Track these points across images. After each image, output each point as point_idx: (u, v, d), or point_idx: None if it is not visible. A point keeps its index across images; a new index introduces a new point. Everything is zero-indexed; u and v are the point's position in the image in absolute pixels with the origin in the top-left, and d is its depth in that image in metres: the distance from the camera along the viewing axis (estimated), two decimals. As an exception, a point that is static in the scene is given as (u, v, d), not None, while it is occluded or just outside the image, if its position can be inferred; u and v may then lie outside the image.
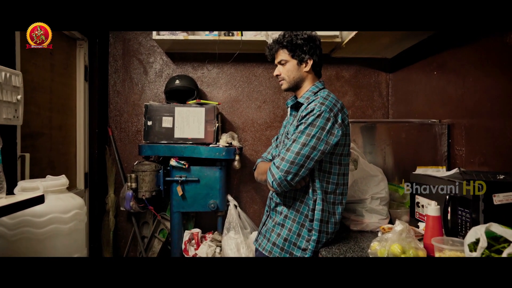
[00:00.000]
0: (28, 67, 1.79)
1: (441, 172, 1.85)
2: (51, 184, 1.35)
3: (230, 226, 2.40)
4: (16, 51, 1.64)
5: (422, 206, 1.50)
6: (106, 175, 2.67)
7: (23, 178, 1.59)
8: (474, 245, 0.99)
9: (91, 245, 2.49)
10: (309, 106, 1.39)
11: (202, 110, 2.41)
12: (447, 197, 1.25)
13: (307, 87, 1.52)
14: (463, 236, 1.22)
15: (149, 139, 2.41)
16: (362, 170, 1.64)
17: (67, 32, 2.22)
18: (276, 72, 1.54)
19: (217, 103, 2.46)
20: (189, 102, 2.45)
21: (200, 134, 2.41)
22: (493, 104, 1.60)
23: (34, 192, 1.21)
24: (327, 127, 1.34)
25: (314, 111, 1.35)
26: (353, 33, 2.14)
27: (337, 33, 2.33)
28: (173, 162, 2.33)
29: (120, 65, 2.73)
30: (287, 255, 1.43)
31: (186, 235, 2.43)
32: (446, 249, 1.10)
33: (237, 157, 2.36)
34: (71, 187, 2.31)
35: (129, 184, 2.33)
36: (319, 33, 1.57)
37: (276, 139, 1.72)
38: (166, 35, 2.35)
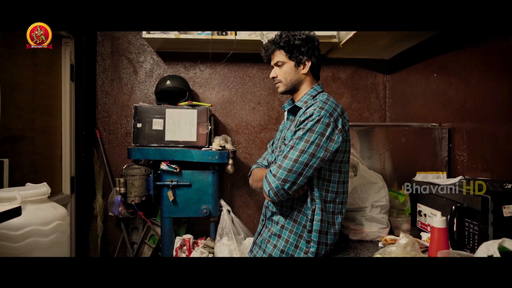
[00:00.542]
0: (6, 66, 1.68)
1: (442, 178, 1.80)
2: (30, 194, 1.25)
3: (223, 232, 2.32)
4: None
5: (425, 215, 1.43)
6: (93, 179, 2.56)
7: (1, 186, 1.49)
8: (486, 263, 0.92)
9: (78, 251, 2.38)
10: (307, 110, 1.31)
11: (194, 112, 2.32)
12: (453, 207, 1.18)
13: (305, 90, 1.44)
14: (471, 249, 1.16)
15: (138, 142, 2.31)
16: (362, 177, 1.57)
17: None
18: (272, 74, 1.46)
19: (209, 104, 2.37)
20: (180, 103, 2.36)
21: (192, 137, 2.32)
22: (497, 108, 1.54)
23: (10, 203, 1.11)
24: (327, 133, 1.27)
25: (313, 116, 1.27)
26: (351, 33, 2.07)
27: (334, 33, 2.25)
28: (163, 166, 2.24)
29: (109, 64, 2.62)
30: (284, 268, 1.34)
31: (178, 241, 2.33)
32: (454, 264, 1.03)
33: (230, 161, 2.27)
34: (57, 192, 2.20)
35: (117, 188, 2.23)
36: (316, 33, 1.50)
37: (272, 144, 1.64)
38: (156, 34, 2.25)
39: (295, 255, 1.35)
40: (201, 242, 2.38)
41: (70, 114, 2.31)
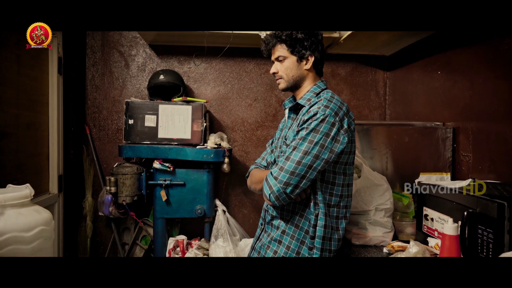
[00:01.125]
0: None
1: (446, 180, 1.74)
2: (10, 197, 1.15)
3: (218, 234, 2.24)
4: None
5: (432, 219, 1.37)
6: (83, 177, 2.46)
7: (-19, 187, 1.38)
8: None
9: (66, 253, 2.28)
10: (311, 109, 1.23)
11: (188, 108, 2.22)
12: (466, 213, 1.11)
13: (308, 87, 1.36)
14: (484, 258, 1.09)
15: (130, 139, 2.21)
16: (366, 179, 1.50)
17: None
18: (273, 70, 1.37)
19: (205, 100, 2.28)
20: (174, 99, 2.26)
21: (186, 134, 2.23)
22: (506, 108, 1.48)
23: (-13, 209, 1.02)
24: (332, 133, 1.19)
25: (318, 115, 1.19)
26: (353, 28, 1.99)
27: (335, 27, 2.17)
28: (156, 165, 2.14)
29: (99, 57, 2.51)
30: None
31: (171, 242, 2.25)
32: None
33: (226, 160, 2.18)
34: (43, 192, 2.10)
35: (108, 188, 2.13)
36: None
37: (271, 144, 1.56)
38: (149, 26, 2.14)
39: (297, 262, 1.27)
40: (195, 243, 2.30)
41: (58, 109, 2.20)
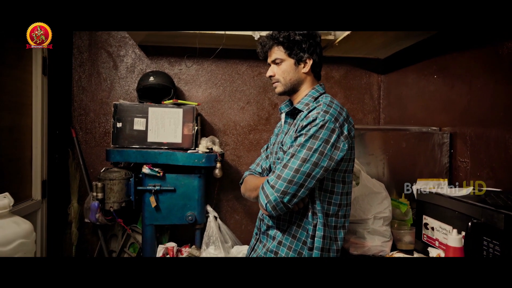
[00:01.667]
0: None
1: (444, 186, 1.70)
2: (-13, 208, 1.06)
3: (210, 241, 2.17)
4: None
5: (432, 228, 1.33)
6: (68, 182, 2.35)
7: (-45, 196, 1.29)
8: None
9: (50, 262, 2.17)
10: (310, 114, 1.18)
11: (179, 111, 2.15)
12: (470, 224, 1.07)
13: (306, 91, 1.30)
14: (489, 271, 1.05)
15: (118, 143, 2.12)
16: (364, 186, 1.45)
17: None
18: (269, 73, 1.32)
19: (196, 103, 2.21)
20: (164, 102, 2.18)
21: (177, 138, 2.15)
22: (507, 113, 1.45)
23: (-40, 221, 0.93)
24: (332, 140, 1.14)
25: (317, 121, 1.14)
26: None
27: (330, 30, 2.13)
28: (145, 170, 2.07)
29: (86, 57, 2.41)
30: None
31: (160, 250, 2.17)
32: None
33: (218, 165, 2.12)
34: (25, 198, 1.99)
35: (94, 194, 2.04)
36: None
37: (266, 149, 1.50)
38: (139, 26, 2.06)
39: (294, 275, 1.21)
40: (185, 250, 2.22)
41: (42, 111, 2.09)
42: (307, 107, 1.24)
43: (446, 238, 1.20)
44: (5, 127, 1.80)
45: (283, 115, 1.39)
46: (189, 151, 2.10)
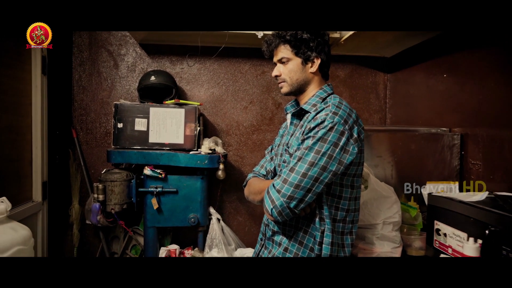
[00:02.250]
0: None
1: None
2: (-18, 214, 1.02)
3: (213, 244, 2.13)
4: None
5: (445, 234, 1.27)
6: (69, 183, 2.32)
7: (-49, 200, 1.25)
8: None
9: (50, 265, 2.14)
10: (318, 115, 1.13)
11: (181, 111, 2.10)
12: (487, 232, 1.02)
13: (313, 91, 1.25)
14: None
15: (119, 144, 2.08)
16: (373, 190, 1.40)
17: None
18: (275, 72, 1.26)
19: (198, 103, 2.16)
20: (166, 101, 2.14)
21: (179, 139, 2.11)
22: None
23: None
24: (341, 143, 1.09)
25: (325, 123, 1.09)
26: (356, 28, 1.89)
27: (336, 27, 2.07)
28: (147, 171, 2.02)
29: (86, 56, 2.37)
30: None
31: (162, 252, 2.13)
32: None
33: (221, 166, 2.07)
34: (25, 200, 1.96)
35: (95, 195, 2.00)
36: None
37: (271, 151, 1.45)
38: (140, 24, 2.02)
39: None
40: (188, 252, 2.18)
41: (42, 111, 2.06)
42: (314, 108, 1.19)
43: (460, 246, 1.16)
44: (5, 128, 1.76)
45: (288, 116, 1.34)
46: (191, 152, 2.05)
